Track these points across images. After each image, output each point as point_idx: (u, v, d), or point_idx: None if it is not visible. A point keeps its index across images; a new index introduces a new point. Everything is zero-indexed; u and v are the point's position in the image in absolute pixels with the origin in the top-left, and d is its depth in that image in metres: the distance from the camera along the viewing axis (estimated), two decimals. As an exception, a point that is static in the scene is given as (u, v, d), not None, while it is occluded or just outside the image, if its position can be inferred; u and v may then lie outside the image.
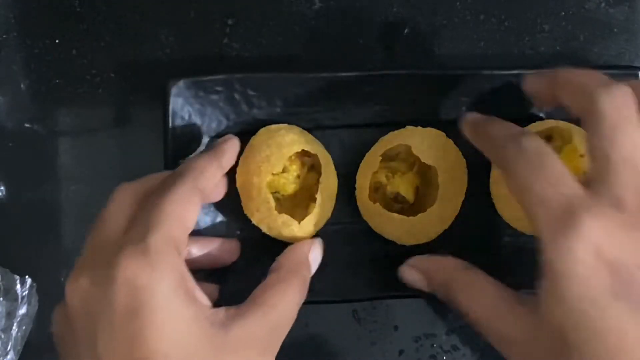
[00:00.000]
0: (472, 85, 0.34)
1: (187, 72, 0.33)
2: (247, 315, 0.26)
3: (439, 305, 0.36)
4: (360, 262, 0.35)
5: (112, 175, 0.37)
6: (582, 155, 0.31)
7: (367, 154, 0.34)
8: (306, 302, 0.34)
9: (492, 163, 0.32)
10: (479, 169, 0.33)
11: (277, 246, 0.34)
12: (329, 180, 0.33)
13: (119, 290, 0.24)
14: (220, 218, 0.35)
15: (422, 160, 0.32)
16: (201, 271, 0.32)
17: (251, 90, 0.34)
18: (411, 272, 0.32)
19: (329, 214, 0.34)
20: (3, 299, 0.35)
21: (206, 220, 0.35)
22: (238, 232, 0.35)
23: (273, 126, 0.34)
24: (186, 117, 0.34)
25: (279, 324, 0.27)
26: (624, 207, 0.24)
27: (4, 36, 0.37)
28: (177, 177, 0.28)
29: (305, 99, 0.34)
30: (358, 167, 0.34)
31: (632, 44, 0.38)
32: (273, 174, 0.33)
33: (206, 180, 0.29)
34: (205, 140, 0.35)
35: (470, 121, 0.32)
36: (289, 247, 0.31)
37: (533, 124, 0.33)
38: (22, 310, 0.36)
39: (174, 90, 0.33)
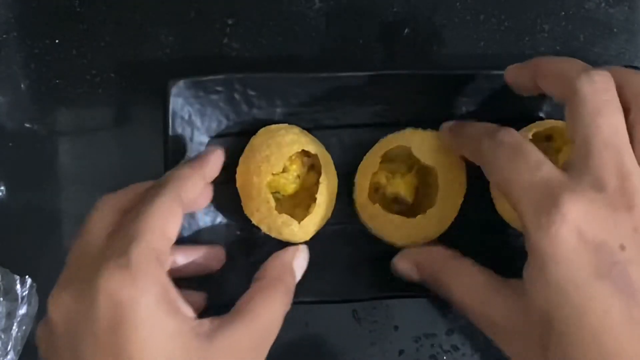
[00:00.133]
0: (472, 85, 0.34)
1: (187, 72, 0.33)
2: (232, 326, 0.26)
3: (439, 305, 0.37)
4: (360, 262, 0.35)
5: (112, 175, 0.37)
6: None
7: (365, 156, 0.34)
8: (306, 302, 0.34)
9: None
10: (479, 169, 0.33)
11: (277, 246, 0.34)
12: (329, 180, 0.33)
13: (101, 305, 0.24)
14: (220, 218, 0.35)
15: (422, 162, 0.32)
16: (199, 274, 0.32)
17: (251, 90, 0.34)
18: (402, 263, 0.32)
19: (329, 214, 0.34)
20: (3, 299, 0.35)
21: (206, 220, 0.35)
22: (238, 232, 0.35)
23: (273, 126, 0.34)
24: (186, 117, 0.34)
25: (264, 333, 0.27)
26: (604, 188, 0.25)
27: (4, 36, 0.37)
28: (158, 189, 0.28)
29: (305, 99, 0.34)
30: (358, 167, 0.34)
31: (632, 44, 0.38)
32: (273, 174, 0.33)
33: (188, 191, 0.28)
34: (205, 140, 0.35)
35: (448, 127, 0.32)
36: (273, 255, 0.31)
37: (533, 124, 0.33)
38: (22, 310, 0.36)
39: (174, 90, 0.33)
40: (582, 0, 0.38)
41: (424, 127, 0.34)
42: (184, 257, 0.31)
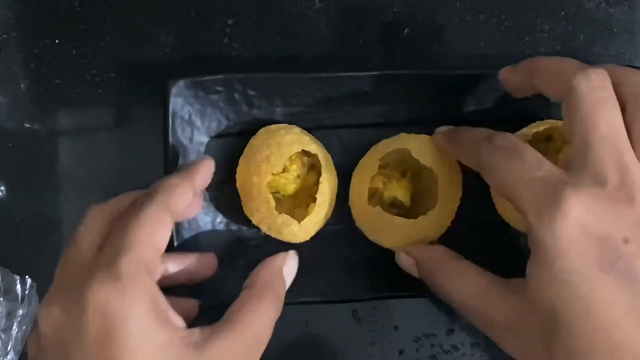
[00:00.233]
0: (472, 85, 0.34)
1: (187, 72, 0.33)
2: (222, 335, 0.26)
3: (439, 305, 0.37)
4: (360, 262, 0.35)
5: (112, 175, 0.37)
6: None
7: (360, 162, 0.34)
8: (306, 302, 0.34)
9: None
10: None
11: (277, 246, 0.34)
12: (329, 180, 0.33)
13: (90, 317, 0.24)
14: (220, 218, 0.35)
15: (422, 164, 0.32)
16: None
17: (251, 90, 0.34)
18: (405, 258, 0.32)
19: (329, 214, 0.34)
20: (3, 299, 0.35)
21: (206, 220, 0.35)
22: (238, 232, 0.35)
23: (273, 126, 0.34)
24: (186, 117, 0.34)
25: (255, 341, 0.27)
26: (605, 183, 0.25)
27: (4, 36, 0.37)
28: (146, 199, 0.27)
29: (305, 99, 0.34)
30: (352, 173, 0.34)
31: (632, 44, 0.38)
32: (273, 174, 0.33)
33: (176, 201, 0.28)
34: (205, 140, 0.35)
35: (442, 132, 0.32)
36: (263, 262, 0.30)
37: (533, 124, 0.33)
38: (22, 310, 0.36)
39: (174, 90, 0.33)
40: (582, 0, 0.38)
41: (424, 127, 0.34)
42: (176, 265, 0.31)
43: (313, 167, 0.35)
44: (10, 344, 0.35)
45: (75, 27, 0.37)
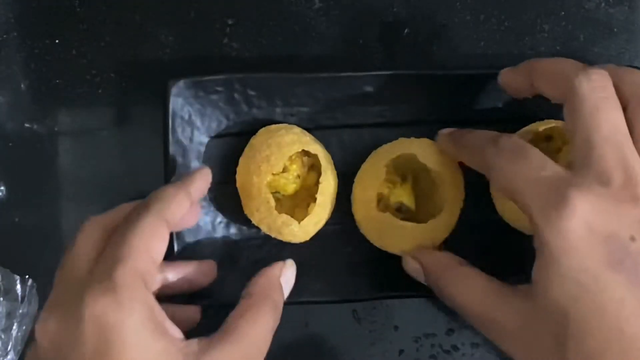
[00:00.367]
0: (472, 85, 0.34)
1: (187, 72, 0.33)
2: (220, 346, 0.26)
3: (439, 305, 0.37)
4: (360, 262, 0.35)
5: (112, 175, 0.37)
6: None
7: (363, 167, 0.34)
8: (306, 302, 0.34)
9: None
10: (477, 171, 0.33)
11: (277, 246, 0.34)
12: (329, 180, 0.33)
13: (87, 329, 0.24)
14: (220, 218, 0.35)
15: (429, 167, 0.32)
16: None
17: (251, 90, 0.34)
18: (412, 263, 0.32)
19: (329, 214, 0.34)
20: (3, 299, 0.35)
21: (206, 220, 0.35)
22: (238, 232, 0.35)
23: (273, 126, 0.34)
24: (186, 117, 0.34)
25: (253, 351, 0.27)
26: (609, 182, 0.25)
27: (4, 36, 0.37)
28: (142, 209, 0.27)
29: (305, 99, 0.34)
30: (358, 167, 0.34)
31: (632, 44, 0.38)
32: (273, 174, 0.33)
33: (173, 211, 0.28)
34: (205, 140, 0.35)
35: (446, 134, 0.32)
36: (260, 272, 0.30)
37: (533, 124, 0.33)
38: (22, 310, 0.36)
39: (174, 90, 0.33)
40: (582, 0, 0.38)
41: (424, 127, 0.34)
42: (175, 274, 0.31)
43: (313, 167, 0.35)
44: (10, 344, 0.35)
45: (75, 27, 0.37)
